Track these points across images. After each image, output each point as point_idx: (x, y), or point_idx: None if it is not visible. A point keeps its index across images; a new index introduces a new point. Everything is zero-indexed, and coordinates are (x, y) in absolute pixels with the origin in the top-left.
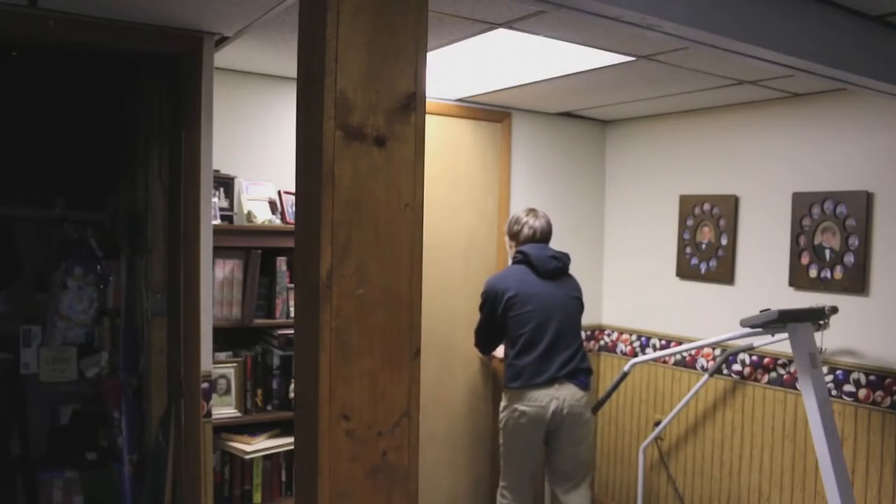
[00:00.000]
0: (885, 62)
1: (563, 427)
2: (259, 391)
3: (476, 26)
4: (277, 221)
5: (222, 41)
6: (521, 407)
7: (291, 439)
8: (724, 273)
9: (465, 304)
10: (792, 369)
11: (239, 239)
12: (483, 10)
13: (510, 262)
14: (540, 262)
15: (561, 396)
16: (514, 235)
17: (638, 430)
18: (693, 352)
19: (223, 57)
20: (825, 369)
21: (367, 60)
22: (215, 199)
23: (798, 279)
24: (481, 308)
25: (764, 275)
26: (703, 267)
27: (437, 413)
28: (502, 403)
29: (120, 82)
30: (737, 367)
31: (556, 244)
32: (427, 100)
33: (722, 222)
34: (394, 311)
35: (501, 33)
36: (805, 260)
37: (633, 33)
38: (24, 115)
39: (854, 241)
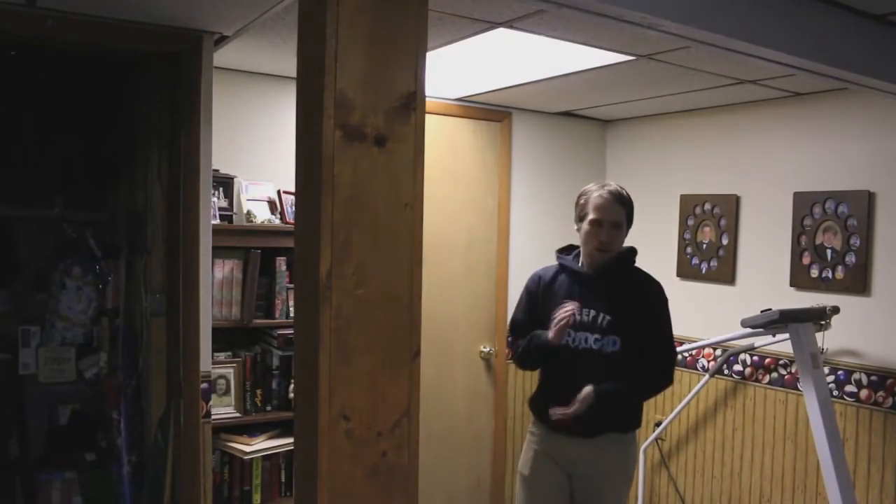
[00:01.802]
0: (887, 61)
1: None
2: (258, 391)
3: (476, 26)
4: (277, 221)
5: (222, 40)
6: None
7: (291, 439)
8: (724, 273)
9: (466, 304)
10: (793, 370)
11: (238, 239)
12: (483, 10)
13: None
14: None
15: None
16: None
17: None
18: (694, 352)
19: (222, 56)
20: (826, 369)
21: (367, 60)
22: (215, 199)
23: (799, 279)
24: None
25: (765, 275)
26: (703, 267)
27: (437, 413)
28: (630, 450)
29: (119, 82)
30: (738, 367)
31: (556, 243)
32: (427, 99)
33: (723, 222)
34: (394, 311)
35: (501, 33)
36: (806, 260)
37: (634, 32)
38: (23, 115)
39: (855, 241)
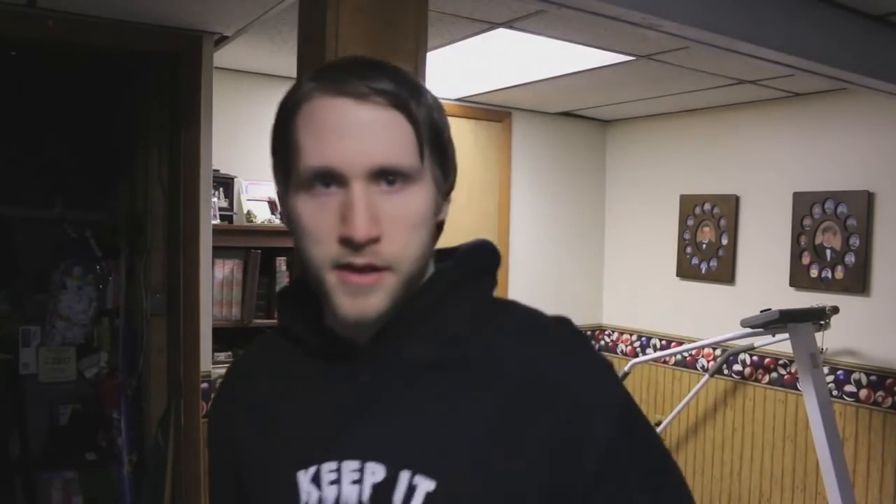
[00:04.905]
0: (886, 62)
1: None
2: None
3: (476, 26)
4: (277, 221)
5: (222, 40)
6: None
7: None
8: (724, 273)
9: None
10: (793, 369)
11: (238, 239)
12: (483, 10)
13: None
14: None
15: None
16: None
17: None
18: (693, 352)
19: (222, 56)
20: (826, 369)
21: None
22: (215, 199)
23: (799, 279)
24: None
25: (765, 275)
26: (703, 267)
27: None
28: None
29: (119, 82)
30: (737, 367)
31: (556, 244)
32: None
33: (722, 222)
34: None
35: (501, 33)
36: (806, 260)
37: (634, 32)
38: (23, 115)
39: (855, 241)
